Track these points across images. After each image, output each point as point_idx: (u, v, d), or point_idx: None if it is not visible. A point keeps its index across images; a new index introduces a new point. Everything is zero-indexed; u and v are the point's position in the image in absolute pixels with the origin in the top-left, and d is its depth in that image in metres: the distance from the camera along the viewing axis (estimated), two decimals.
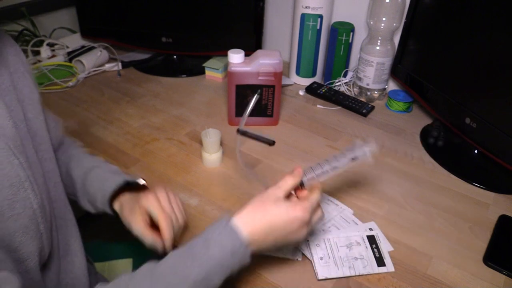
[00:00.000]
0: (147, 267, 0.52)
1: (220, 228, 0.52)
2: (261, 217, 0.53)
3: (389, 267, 0.65)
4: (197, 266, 0.50)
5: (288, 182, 0.57)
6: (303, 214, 0.54)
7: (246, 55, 0.92)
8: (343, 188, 0.81)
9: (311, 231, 0.60)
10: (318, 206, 0.59)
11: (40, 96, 0.62)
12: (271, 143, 0.78)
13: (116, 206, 0.67)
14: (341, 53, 1.12)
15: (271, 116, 0.98)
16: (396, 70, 1.05)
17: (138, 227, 0.62)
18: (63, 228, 0.63)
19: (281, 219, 0.54)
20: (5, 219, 0.46)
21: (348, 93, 1.14)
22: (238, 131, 0.76)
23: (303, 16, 1.09)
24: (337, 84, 1.17)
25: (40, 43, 1.21)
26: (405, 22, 0.99)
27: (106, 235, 0.90)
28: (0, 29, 0.60)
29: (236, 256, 0.51)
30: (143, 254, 0.65)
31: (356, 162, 0.61)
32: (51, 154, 0.61)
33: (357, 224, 0.72)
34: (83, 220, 0.73)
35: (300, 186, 0.61)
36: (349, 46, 1.12)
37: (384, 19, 1.00)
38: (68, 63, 1.20)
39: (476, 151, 0.89)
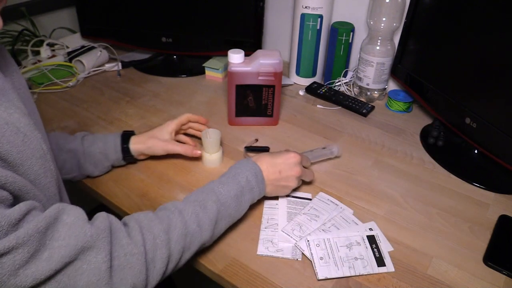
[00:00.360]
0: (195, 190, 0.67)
1: (245, 163, 0.71)
2: (269, 158, 0.73)
3: (389, 267, 0.65)
4: (235, 183, 0.67)
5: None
6: (295, 154, 0.74)
7: (246, 55, 0.92)
8: (343, 188, 0.81)
9: (302, 177, 0.76)
10: (309, 166, 0.81)
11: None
12: (267, 149, 0.91)
13: (133, 144, 0.80)
14: (341, 53, 1.12)
15: (271, 116, 0.98)
16: (396, 70, 1.05)
17: (167, 136, 0.82)
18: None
19: (280, 156, 0.73)
20: (41, 187, 0.51)
21: (348, 93, 1.14)
22: (245, 148, 0.91)
23: (303, 16, 1.09)
24: (337, 84, 1.17)
25: (40, 43, 1.21)
26: (405, 22, 0.99)
27: None
28: None
29: (259, 180, 0.70)
30: None
31: (325, 151, 0.87)
32: (45, 135, 0.64)
33: (357, 224, 0.72)
34: None
35: None
36: (349, 46, 1.12)
37: (384, 19, 1.00)
38: (68, 63, 1.20)
39: (476, 151, 0.90)
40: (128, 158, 0.82)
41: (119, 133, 0.82)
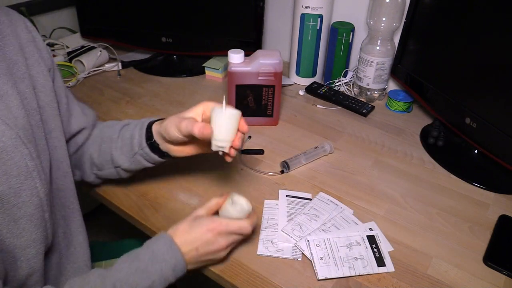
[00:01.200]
0: (98, 273, 0.56)
1: (163, 244, 0.59)
2: (187, 233, 0.61)
3: (389, 267, 0.65)
4: (145, 277, 0.56)
5: (212, 202, 0.65)
6: (214, 226, 0.60)
7: (246, 55, 0.92)
8: (343, 188, 0.81)
9: (232, 244, 0.64)
10: (238, 230, 0.63)
11: (58, 83, 0.65)
12: (261, 152, 0.90)
13: (156, 128, 0.67)
14: (341, 53, 1.12)
15: (271, 116, 0.98)
16: (396, 70, 1.05)
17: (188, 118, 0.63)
18: (69, 219, 0.65)
19: (199, 231, 0.60)
20: (10, 206, 0.48)
21: (348, 93, 1.14)
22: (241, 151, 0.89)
23: (303, 16, 1.09)
24: (337, 84, 1.16)
25: None
26: (405, 22, 0.99)
27: (103, 236, 0.90)
28: (9, 10, 0.59)
29: (177, 270, 0.59)
30: None
31: (318, 150, 0.88)
32: (62, 142, 0.63)
33: (357, 224, 0.72)
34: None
35: (286, 167, 0.84)
36: (349, 46, 1.12)
37: (384, 19, 1.00)
38: (68, 63, 1.20)
39: (476, 151, 0.89)
40: (152, 145, 0.66)
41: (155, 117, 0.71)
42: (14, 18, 0.59)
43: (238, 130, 0.63)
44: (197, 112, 0.65)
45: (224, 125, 0.61)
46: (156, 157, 0.68)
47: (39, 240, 0.52)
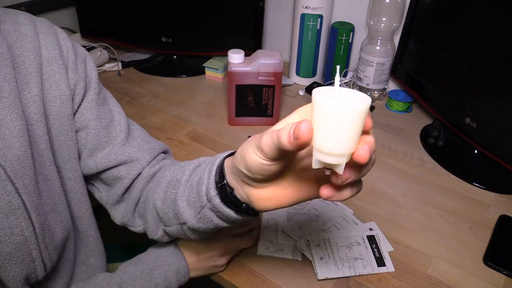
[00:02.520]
0: (103, 276, 0.56)
1: (165, 249, 0.60)
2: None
3: (389, 267, 0.65)
4: (149, 280, 0.56)
5: None
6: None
7: (246, 55, 0.92)
8: None
9: (230, 253, 0.65)
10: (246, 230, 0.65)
11: (90, 104, 0.56)
12: None
13: (228, 162, 0.45)
14: (341, 53, 1.12)
15: (271, 116, 0.98)
16: (396, 70, 1.05)
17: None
18: (84, 245, 0.62)
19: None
20: None
21: None
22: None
23: (303, 16, 1.09)
24: None
25: None
26: (405, 22, 0.99)
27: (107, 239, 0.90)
28: (41, 22, 0.53)
29: (180, 274, 0.59)
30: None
31: None
32: (77, 173, 0.57)
33: (357, 224, 0.72)
34: None
35: None
36: (349, 46, 1.12)
37: (384, 19, 1.00)
38: None
39: (476, 151, 0.89)
40: (224, 192, 0.44)
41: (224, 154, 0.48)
42: (43, 30, 0.53)
43: (364, 129, 0.35)
44: (293, 120, 0.39)
45: (337, 122, 0.33)
46: (230, 212, 0.45)
47: (19, 277, 0.48)
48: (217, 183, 0.45)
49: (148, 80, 1.21)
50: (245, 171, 0.41)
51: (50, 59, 0.52)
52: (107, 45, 1.27)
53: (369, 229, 0.71)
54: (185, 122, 1.01)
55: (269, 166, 0.39)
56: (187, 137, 0.95)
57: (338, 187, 0.37)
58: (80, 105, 0.56)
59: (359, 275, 0.63)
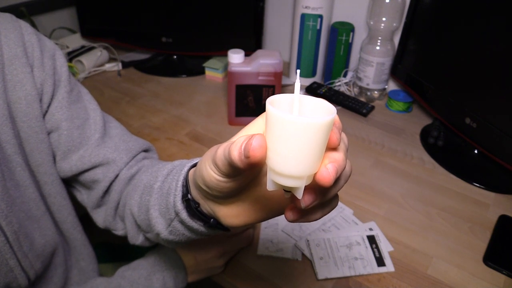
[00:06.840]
0: (100, 280, 0.56)
1: (163, 254, 0.59)
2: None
3: (389, 267, 0.65)
4: (147, 285, 0.56)
5: None
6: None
7: (246, 55, 0.92)
8: (343, 188, 0.81)
9: (227, 253, 0.65)
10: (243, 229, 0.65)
11: (60, 103, 0.53)
12: None
13: (191, 174, 0.41)
14: (341, 53, 1.12)
15: None
16: (396, 70, 1.05)
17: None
18: (72, 249, 0.62)
19: (196, 240, 0.51)
20: None
21: (348, 93, 1.14)
22: None
23: (303, 16, 1.09)
24: (337, 84, 1.16)
25: None
26: (405, 22, 0.99)
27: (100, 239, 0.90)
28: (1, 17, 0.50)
29: (178, 280, 0.59)
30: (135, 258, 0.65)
31: None
32: (53, 176, 0.55)
33: (357, 224, 0.72)
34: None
35: None
36: (349, 46, 1.12)
37: (384, 19, 1.00)
38: (68, 63, 1.20)
39: (476, 151, 0.89)
40: (188, 205, 0.40)
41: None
42: (5, 26, 0.50)
43: (328, 146, 0.29)
44: (257, 128, 0.34)
45: (293, 138, 0.27)
46: (199, 227, 0.41)
47: None
48: (183, 196, 0.40)
49: (148, 80, 1.21)
50: (204, 187, 0.35)
51: (12, 58, 0.48)
52: (107, 45, 1.27)
53: (369, 229, 0.71)
54: (185, 122, 1.01)
55: (226, 183, 0.33)
56: (187, 137, 0.95)
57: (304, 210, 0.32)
58: (49, 105, 0.52)
59: (359, 275, 0.63)
